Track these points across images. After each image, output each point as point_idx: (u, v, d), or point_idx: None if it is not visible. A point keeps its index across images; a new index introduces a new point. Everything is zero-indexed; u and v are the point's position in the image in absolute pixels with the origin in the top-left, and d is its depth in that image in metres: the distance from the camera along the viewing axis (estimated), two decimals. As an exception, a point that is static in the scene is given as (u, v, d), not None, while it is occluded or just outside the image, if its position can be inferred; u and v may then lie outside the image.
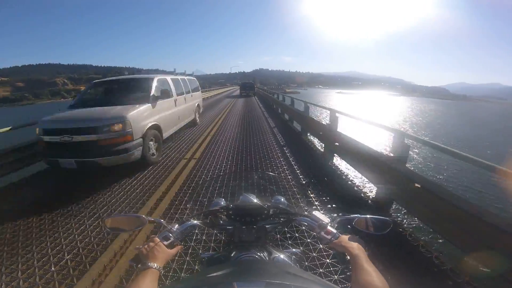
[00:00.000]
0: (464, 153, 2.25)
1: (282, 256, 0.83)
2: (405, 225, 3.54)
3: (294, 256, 0.89)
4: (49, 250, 2.50)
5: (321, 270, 2.10)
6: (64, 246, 2.55)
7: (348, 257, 0.73)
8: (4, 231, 2.89)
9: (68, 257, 2.38)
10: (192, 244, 2.44)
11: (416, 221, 4.09)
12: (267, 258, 0.80)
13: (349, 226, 0.84)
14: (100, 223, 2.92)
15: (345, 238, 0.79)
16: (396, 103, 56.65)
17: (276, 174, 4.11)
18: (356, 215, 0.83)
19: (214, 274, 0.52)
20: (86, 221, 2.97)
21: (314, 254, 2.28)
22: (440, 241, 3.66)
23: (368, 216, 0.82)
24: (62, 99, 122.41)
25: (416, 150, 10.48)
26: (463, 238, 2.09)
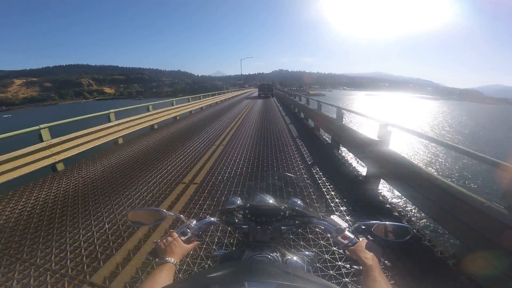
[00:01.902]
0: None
1: (295, 258, 0.84)
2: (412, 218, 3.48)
3: (307, 259, 0.90)
4: (81, 237, 2.83)
5: (331, 272, 2.17)
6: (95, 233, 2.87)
7: (361, 267, 0.75)
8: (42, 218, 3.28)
9: (97, 242, 2.69)
10: (207, 240, 2.62)
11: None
12: (279, 259, 0.82)
13: (366, 233, 0.85)
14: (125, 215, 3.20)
15: (362, 244, 0.80)
16: (441, 108, 46.32)
17: (293, 175, 4.18)
18: (375, 222, 0.84)
19: (225, 271, 0.54)
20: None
21: (327, 257, 2.36)
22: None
23: (387, 222, 0.83)
24: (83, 100, 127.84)
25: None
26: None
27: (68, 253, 2.53)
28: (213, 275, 0.53)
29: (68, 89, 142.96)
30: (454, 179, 7.89)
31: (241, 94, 37.52)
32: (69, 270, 2.29)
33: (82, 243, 2.68)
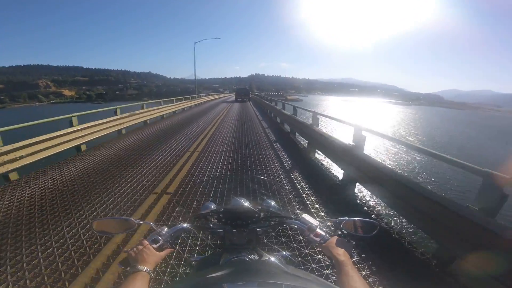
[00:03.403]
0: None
1: (272, 258, 0.87)
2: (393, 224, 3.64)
3: (284, 259, 0.94)
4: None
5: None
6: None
7: (334, 262, 0.78)
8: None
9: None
10: (180, 248, 2.56)
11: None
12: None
13: (336, 230, 0.90)
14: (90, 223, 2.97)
15: (333, 241, 0.84)
16: (418, 115, 45.89)
17: (267, 178, 4.37)
18: (344, 218, 0.89)
19: (206, 276, 0.54)
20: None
21: (300, 259, 2.44)
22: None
23: (355, 218, 0.89)
24: (36, 103, 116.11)
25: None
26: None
27: (26, 272, 2.29)
28: (193, 280, 0.55)
29: (23, 91, 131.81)
30: (425, 180, 8.45)
31: (213, 100, 32.56)
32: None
33: (41, 260, 2.45)
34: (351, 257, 0.79)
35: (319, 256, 2.49)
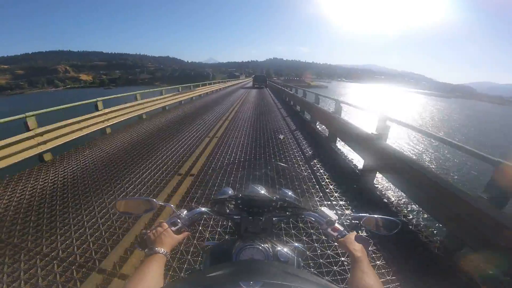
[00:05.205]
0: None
1: (285, 249, 0.89)
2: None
3: (297, 250, 0.97)
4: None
5: (335, 268, 2.25)
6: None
7: (350, 258, 0.80)
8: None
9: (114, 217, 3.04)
10: (199, 230, 2.74)
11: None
12: (270, 250, 0.87)
13: (356, 225, 0.94)
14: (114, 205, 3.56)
15: (351, 236, 0.86)
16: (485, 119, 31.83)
17: (286, 165, 4.72)
18: (365, 214, 0.92)
19: (216, 273, 0.57)
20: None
21: (329, 252, 2.43)
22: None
23: (376, 215, 0.91)
24: (52, 89, 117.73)
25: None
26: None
27: (74, 240, 2.64)
28: (205, 277, 0.59)
29: (42, 77, 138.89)
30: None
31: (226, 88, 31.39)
32: (77, 257, 2.36)
33: (87, 229, 2.82)
34: (368, 254, 0.82)
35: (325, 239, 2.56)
